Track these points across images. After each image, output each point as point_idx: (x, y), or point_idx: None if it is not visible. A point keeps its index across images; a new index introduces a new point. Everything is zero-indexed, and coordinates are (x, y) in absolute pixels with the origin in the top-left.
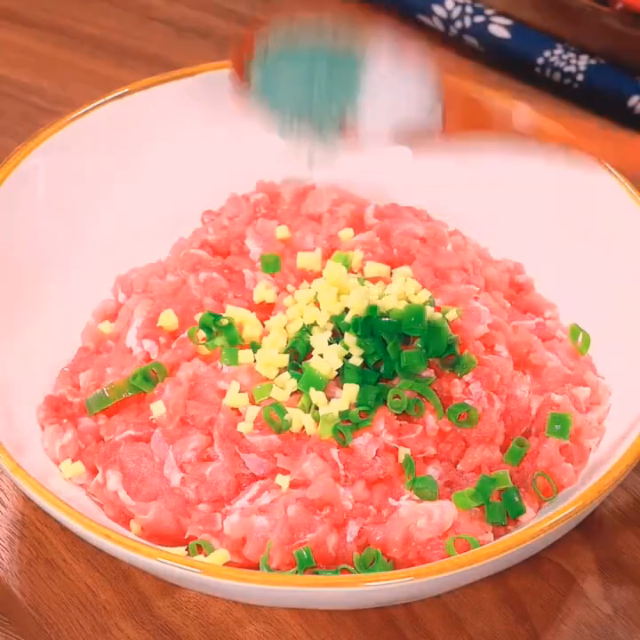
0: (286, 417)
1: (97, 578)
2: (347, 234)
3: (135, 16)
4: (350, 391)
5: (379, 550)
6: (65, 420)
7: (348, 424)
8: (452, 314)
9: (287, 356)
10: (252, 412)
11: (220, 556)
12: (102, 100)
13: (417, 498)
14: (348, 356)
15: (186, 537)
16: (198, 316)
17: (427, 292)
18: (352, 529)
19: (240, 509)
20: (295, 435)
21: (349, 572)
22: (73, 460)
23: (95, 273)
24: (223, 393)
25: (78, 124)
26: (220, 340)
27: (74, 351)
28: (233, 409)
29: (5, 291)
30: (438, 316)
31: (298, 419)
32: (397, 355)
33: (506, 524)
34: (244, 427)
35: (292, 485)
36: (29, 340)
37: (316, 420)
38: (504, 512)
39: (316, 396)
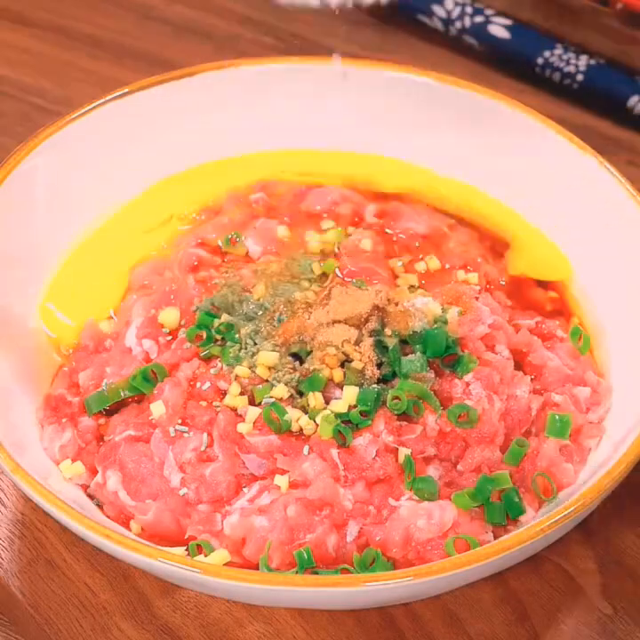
0: (286, 417)
1: (97, 578)
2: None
3: (135, 16)
4: (350, 393)
5: (379, 550)
6: (64, 420)
7: (349, 425)
8: (452, 314)
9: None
10: (253, 413)
11: (220, 556)
12: (102, 100)
13: (417, 498)
14: (348, 360)
15: (186, 537)
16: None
17: (437, 306)
18: (352, 529)
19: (240, 509)
20: (295, 435)
21: (349, 572)
22: (72, 460)
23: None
24: (223, 393)
25: (78, 124)
26: (216, 350)
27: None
28: (233, 409)
29: (5, 289)
30: (439, 313)
31: (296, 418)
32: (398, 358)
33: (506, 525)
34: (244, 427)
35: (292, 486)
36: (29, 340)
37: (313, 419)
38: (504, 512)
39: (315, 397)
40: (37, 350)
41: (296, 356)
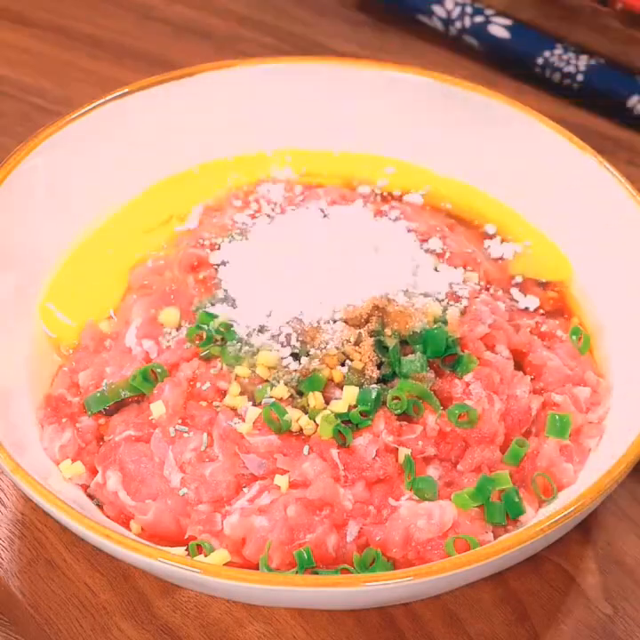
0: (286, 417)
1: (97, 578)
2: None
3: (135, 16)
4: (350, 393)
5: (379, 550)
6: (64, 420)
7: (349, 425)
8: (452, 314)
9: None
10: (253, 413)
11: (220, 556)
12: (102, 100)
13: (417, 498)
14: (349, 359)
15: (186, 537)
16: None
17: (438, 306)
18: (352, 529)
19: (240, 509)
20: (295, 435)
21: (349, 572)
22: (72, 460)
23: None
24: (223, 393)
25: (78, 123)
26: (216, 350)
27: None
28: (232, 409)
29: (5, 289)
30: (439, 313)
31: (296, 418)
32: (398, 358)
33: (506, 525)
34: (244, 427)
35: (292, 486)
36: (29, 340)
37: (313, 419)
38: (504, 512)
39: (315, 397)
40: (37, 350)
41: (295, 356)
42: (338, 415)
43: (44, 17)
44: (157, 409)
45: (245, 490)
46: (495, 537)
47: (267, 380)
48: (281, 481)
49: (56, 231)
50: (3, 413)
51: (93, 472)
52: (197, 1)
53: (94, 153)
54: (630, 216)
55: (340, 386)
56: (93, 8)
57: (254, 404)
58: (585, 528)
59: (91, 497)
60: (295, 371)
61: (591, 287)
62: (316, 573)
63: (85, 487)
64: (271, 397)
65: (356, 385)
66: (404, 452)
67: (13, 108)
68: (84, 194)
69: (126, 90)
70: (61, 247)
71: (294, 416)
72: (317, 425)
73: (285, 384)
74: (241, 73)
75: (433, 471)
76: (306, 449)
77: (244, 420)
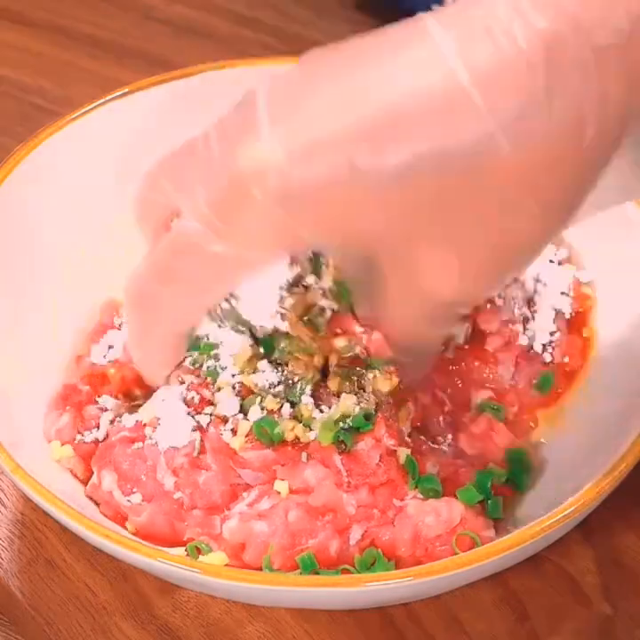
0: (277, 430)
1: (97, 578)
2: None
3: (135, 16)
4: (348, 400)
5: (379, 551)
6: (68, 407)
7: (348, 430)
8: None
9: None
10: (244, 427)
11: (218, 558)
12: (102, 100)
13: (421, 497)
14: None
15: (184, 539)
16: None
17: None
18: (355, 533)
19: (239, 514)
20: (290, 444)
21: (350, 572)
22: (62, 443)
23: (97, 272)
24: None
25: (78, 123)
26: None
27: (74, 349)
28: (223, 420)
29: (6, 290)
30: None
31: (290, 428)
32: None
33: (503, 518)
34: (236, 442)
35: (293, 493)
36: (29, 339)
37: (308, 426)
38: (500, 507)
39: (306, 407)
40: (39, 349)
41: (279, 364)
42: (337, 422)
43: (44, 17)
44: (148, 412)
45: (244, 494)
46: (497, 533)
47: (253, 392)
48: (281, 486)
49: (56, 231)
50: (2, 412)
51: (88, 468)
52: (197, 1)
53: (94, 153)
54: (631, 216)
55: (336, 394)
56: (93, 8)
57: (245, 416)
58: (585, 528)
59: (89, 499)
60: (279, 383)
61: (591, 288)
62: (316, 573)
63: (86, 481)
64: (263, 409)
65: (351, 392)
66: (404, 453)
67: (13, 108)
68: (84, 194)
69: (126, 90)
70: (62, 247)
71: (288, 426)
72: (313, 431)
73: (274, 396)
74: (241, 73)
75: (431, 468)
76: (304, 456)
77: (235, 432)
